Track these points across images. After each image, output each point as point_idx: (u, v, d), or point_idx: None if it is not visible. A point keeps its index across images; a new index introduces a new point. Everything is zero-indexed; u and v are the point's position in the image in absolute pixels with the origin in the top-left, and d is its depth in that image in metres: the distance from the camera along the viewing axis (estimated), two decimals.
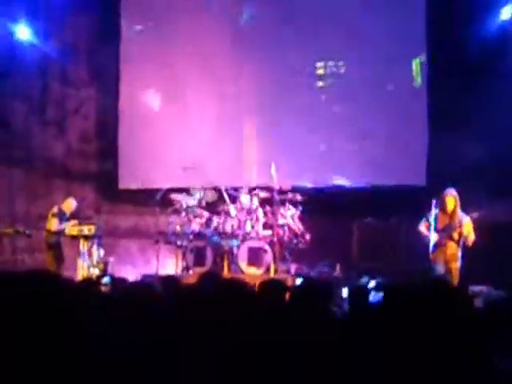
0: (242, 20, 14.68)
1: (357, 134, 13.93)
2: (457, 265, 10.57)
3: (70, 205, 12.96)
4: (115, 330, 3.55)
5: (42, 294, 3.39)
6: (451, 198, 10.60)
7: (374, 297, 7.38)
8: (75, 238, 12.64)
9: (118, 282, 3.94)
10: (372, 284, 11.14)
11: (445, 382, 3.13)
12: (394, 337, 3.16)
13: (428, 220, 10.73)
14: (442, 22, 13.29)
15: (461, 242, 10.58)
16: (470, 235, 10.53)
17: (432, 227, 10.56)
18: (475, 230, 10.55)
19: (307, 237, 12.42)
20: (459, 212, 10.63)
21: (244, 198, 12.55)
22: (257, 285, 4.71)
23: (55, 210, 12.75)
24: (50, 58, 14.64)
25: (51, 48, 14.48)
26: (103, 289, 6.01)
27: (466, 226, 10.54)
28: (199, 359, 3.33)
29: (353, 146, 13.99)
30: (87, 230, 12.58)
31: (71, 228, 12.59)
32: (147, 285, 3.89)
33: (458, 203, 10.63)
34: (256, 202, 12.57)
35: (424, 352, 3.16)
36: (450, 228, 10.57)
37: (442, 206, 10.66)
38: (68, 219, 12.80)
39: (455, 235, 10.57)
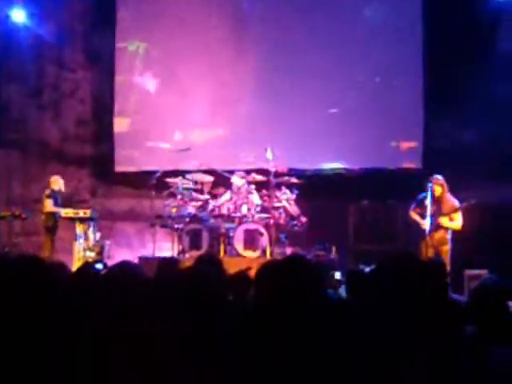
0: (242, 6, 14.62)
1: (354, 119, 13.93)
2: (447, 248, 10.60)
3: (58, 182, 12.95)
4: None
5: (31, 280, 3.40)
6: (437, 184, 10.61)
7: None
8: (71, 221, 12.68)
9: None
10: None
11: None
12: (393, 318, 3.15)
13: (418, 206, 10.75)
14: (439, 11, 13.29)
15: (449, 228, 10.64)
16: (457, 223, 10.58)
17: (428, 211, 10.56)
18: (473, 212, 10.58)
19: (303, 220, 12.40)
20: (448, 198, 10.65)
21: (236, 180, 12.48)
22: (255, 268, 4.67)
23: (47, 191, 12.78)
24: (46, 40, 14.53)
25: (47, 31, 14.37)
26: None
27: (455, 214, 10.57)
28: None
29: (349, 129, 13.96)
30: (83, 212, 12.64)
31: (67, 211, 12.65)
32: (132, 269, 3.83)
33: (446, 189, 10.63)
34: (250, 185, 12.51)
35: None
36: (437, 214, 10.59)
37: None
38: (61, 197, 12.84)
39: (443, 221, 10.59)
